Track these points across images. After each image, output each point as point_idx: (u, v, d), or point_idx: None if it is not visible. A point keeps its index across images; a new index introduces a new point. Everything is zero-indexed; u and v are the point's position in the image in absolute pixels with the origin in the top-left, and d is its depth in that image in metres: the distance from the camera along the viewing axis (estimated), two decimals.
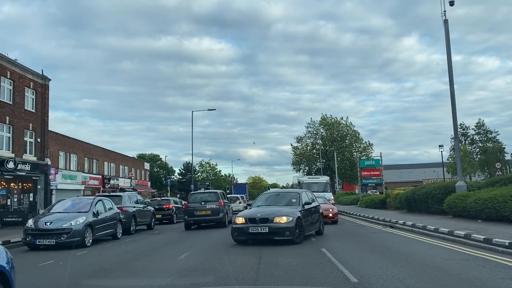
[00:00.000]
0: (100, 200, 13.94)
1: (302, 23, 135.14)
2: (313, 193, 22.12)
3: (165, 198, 28.34)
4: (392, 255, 9.03)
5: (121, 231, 14.77)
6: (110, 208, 14.38)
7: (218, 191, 20.97)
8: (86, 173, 41.15)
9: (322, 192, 26.20)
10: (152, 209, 19.68)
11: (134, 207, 17.08)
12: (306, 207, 12.33)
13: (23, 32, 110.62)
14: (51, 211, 13.39)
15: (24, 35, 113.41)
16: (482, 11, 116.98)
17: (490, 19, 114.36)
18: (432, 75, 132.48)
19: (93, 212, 13.09)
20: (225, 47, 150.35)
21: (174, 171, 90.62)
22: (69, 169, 37.66)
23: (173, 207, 23.44)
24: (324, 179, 31.55)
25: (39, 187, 26.75)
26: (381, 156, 38.87)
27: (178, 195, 72.50)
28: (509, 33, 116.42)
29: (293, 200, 12.54)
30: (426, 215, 19.09)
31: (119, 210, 14.94)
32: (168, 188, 57.29)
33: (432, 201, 19.27)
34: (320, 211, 14.15)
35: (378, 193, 45.28)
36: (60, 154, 36.07)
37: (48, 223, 11.93)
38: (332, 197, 24.96)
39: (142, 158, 77.42)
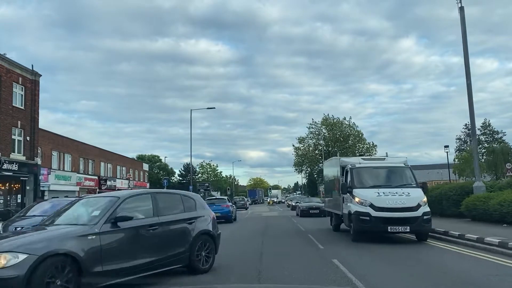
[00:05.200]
0: None
1: (299, 24, 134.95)
2: (384, 189, 12.03)
3: None
4: (409, 264, 7.59)
5: None
6: None
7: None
8: (81, 173, 39.75)
9: (399, 187, 12.39)
10: None
11: None
12: (124, 225, 6.38)
13: (20, 34, 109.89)
14: (27, 215, 11.95)
15: (21, 37, 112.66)
16: (479, 12, 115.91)
17: (488, 20, 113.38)
18: (430, 76, 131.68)
19: None
20: (222, 49, 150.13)
21: (174, 172, 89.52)
22: (63, 170, 36.25)
23: None
24: (398, 160, 14.84)
25: (27, 188, 25.35)
26: (386, 156, 37.48)
27: None
28: (507, 35, 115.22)
29: (94, 213, 6.51)
30: (440, 218, 17.60)
31: None
32: (165, 189, 55.77)
33: (447, 203, 17.81)
34: (192, 226, 7.59)
35: None
36: (53, 153, 34.67)
37: (18, 229, 10.47)
38: (425, 199, 11.99)
39: (141, 159, 76.16)
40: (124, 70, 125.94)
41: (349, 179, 13.09)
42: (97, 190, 43.49)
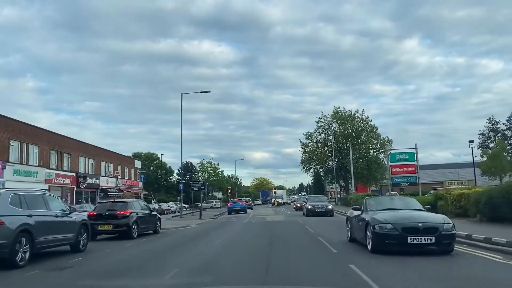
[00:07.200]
0: None
1: (301, 25, 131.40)
2: None
3: (121, 200, 19.20)
4: None
5: None
6: None
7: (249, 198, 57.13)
8: (52, 169, 33.79)
9: None
10: (82, 218, 11.89)
11: (30, 215, 9.37)
12: None
13: (24, 36, 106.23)
14: None
15: (24, 39, 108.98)
16: (483, 12, 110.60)
17: (492, 20, 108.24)
18: (435, 77, 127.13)
19: None
20: (225, 50, 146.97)
21: (173, 171, 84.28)
22: (26, 164, 30.27)
23: (133, 214, 15.55)
24: None
25: None
26: (416, 149, 31.19)
27: (178, 198, 65.07)
28: (511, 35, 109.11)
29: None
30: None
31: None
32: (141, 184, 50.35)
33: None
34: None
35: (397, 194, 37.97)
36: (11, 144, 28.70)
37: None
38: None
39: (137, 157, 70.69)
40: (127, 71, 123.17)
41: None
42: (75, 189, 37.67)
